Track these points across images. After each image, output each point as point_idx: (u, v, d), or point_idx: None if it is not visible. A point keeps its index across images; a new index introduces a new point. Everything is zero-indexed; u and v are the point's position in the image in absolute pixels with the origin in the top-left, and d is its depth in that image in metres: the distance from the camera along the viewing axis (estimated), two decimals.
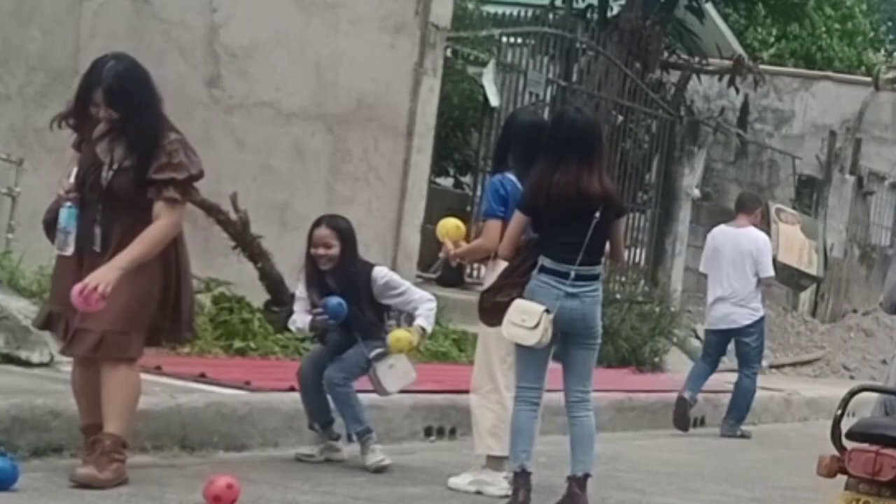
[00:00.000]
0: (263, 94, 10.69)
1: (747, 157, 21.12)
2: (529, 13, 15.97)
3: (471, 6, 17.38)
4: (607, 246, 6.70)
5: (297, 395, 7.54)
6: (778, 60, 26.20)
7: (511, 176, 6.96)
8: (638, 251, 16.78)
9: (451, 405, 8.57)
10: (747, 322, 11.19)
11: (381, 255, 10.80)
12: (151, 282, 5.88)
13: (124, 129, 5.83)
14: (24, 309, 7.68)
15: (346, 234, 7.25)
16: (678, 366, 14.33)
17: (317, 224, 7.30)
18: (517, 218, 6.57)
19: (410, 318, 7.27)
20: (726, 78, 18.77)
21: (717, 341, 11.41)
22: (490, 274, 6.98)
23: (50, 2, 9.39)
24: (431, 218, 10.28)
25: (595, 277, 6.57)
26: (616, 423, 10.27)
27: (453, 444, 8.43)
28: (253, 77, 10.60)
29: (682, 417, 10.95)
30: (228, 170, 10.24)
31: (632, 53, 16.95)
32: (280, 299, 9.86)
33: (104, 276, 5.62)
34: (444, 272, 11.92)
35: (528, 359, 6.53)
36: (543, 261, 6.47)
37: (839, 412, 4.90)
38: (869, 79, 22.10)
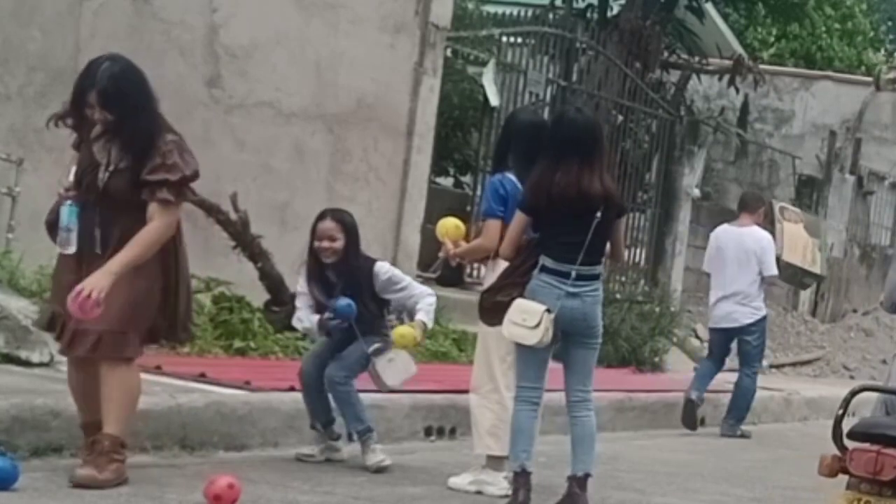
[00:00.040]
0: (263, 94, 10.69)
1: (747, 156, 21.12)
2: (529, 13, 15.98)
3: (471, 6, 17.38)
4: (608, 246, 6.71)
5: (297, 395, 7.54)
6: (778, 60, 26.21)
7: (511, 176, 6.96)
8: (638, 251, 16.78)
9: (451, 405, 8.57)
10: (749, 321, 11.22)
11: (381, 254, 10.75)
12: (150, 282, 5.87)
13: (119, 131, 5.82)
14: (24, 309, 7.68)
15: (350, 228, 7.25)
16: (678, 366, 14.34)
17: (321, 217, 7.29)
18: (518, 218, 6.56)
19: (410, 316, 7.27)
20: (726, 78, 18.78)
21: (721, 340, 11.46)
22: (490, 274, 6.98)
23: (50, 2, 9.38)
24: (431, 218, 10.28)
25: (596, 277, 6.57)
26: (616, 423, 10.27)
27: (453, 444, 8.42)
28: (253, 77, 10.60)
29: (690, 417, 11.02)
30: (228, 170, 10.25)
31: (632, 53, 16.95)
32: (280, 299, 9.86)
33: (97, 282, 5.61)
34: (444, 272, 11.90)
35: (529, 358, 6.53)
36: (544, 260, 6.47)
37: (840, 412, 4.90)
38: (869, 79, 22.10)
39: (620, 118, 16.43)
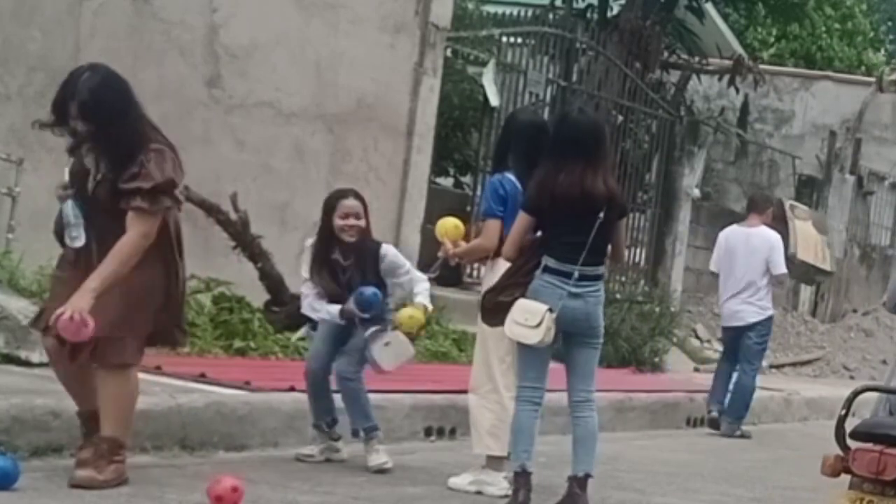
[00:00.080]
0: (263, 94, 10.69)
1: (747, 157, 21.12)
2: (529, 13, 15.97)
3: (471, 6, 17.37)
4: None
5: (297, 395, 7.54)
6: (778, 60, 26.21)
7: (511, 176, 6.95)
8: (638, 251, 16.77)
9: (451, 405, 8.56)
10: (755, 319, 11.35)
11: None
12: (150, 285, 5.86)
13: (100, 141, 5.81)
14: (24, 309, 7.67)
15: (366, 208, 7.24)
16: (678, 366, 14.35)
17: (342, 195, 7.24)
18: (521, 218, 6.55)
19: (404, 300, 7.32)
20: (726, 78, 18.78)
21: (731, 338, 11.59)
22: (489, 274, 6.97)
23: (50, 2, 9.38)
24: (431, 218, 10.27)
25: (598, 277, 6.57)
26: (616, 423, 10.26)
27: (453, 444, 8.42)
28: (253, 77, 10.60)
29: (714, 425, 11.25)
30: (228, 170, 10.25)
31: (632, 53, 16.95)
32: (280, 299, 9.86)
33: (77, 304, 5.58)
34: (443, 272, 11.92)
35: (530, 358, 6.52)
36: (547, 261, 6.47)
37: (843, 412, 4.90)
38: (869, 79, 22.10)
39: (620, 118, 16.43)
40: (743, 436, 11.21)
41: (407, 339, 7.24)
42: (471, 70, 15.72)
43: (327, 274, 7.16)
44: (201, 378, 7.88)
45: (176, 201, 5.88)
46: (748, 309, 11.33)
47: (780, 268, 11.46)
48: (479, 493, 6.89)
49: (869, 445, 4.75)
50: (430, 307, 7.30)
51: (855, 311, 20.21)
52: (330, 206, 7.19)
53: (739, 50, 22.16)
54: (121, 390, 5.84)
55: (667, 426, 10.90)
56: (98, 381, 5.81)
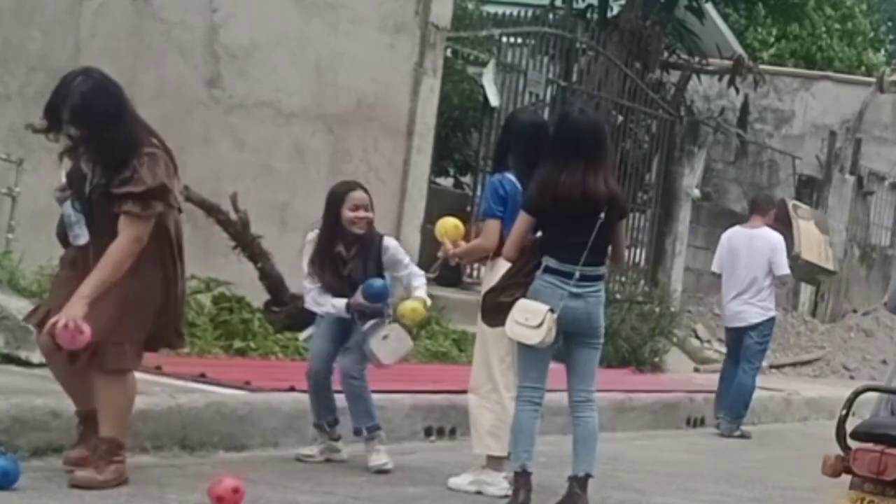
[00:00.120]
0: (263, 94, 10.68)
1: (747, 157, 21.12)
2: (529, 13, 15.97)
3: (471, 6, 17.38)
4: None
5: (297, 396, 7.53)
6: (778, 60, 26.21)
7: (511, 176, 6.95)
8: (638, 251, 16.77)
9: (451, 405, 8.56)
10: (757, 320, 11.38)
11: None
12: (147, 289, 5.84)
13: (92, 146, 5.81)
14: (24, 309, 7.64)
15: (371, 200, 7.25)
16: (678, 366, 14.34)
17: (350, 188, 7.23)
18: (522, 218, 6.55)
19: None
20: (726, 78, 18.78)
21: (734, 339, 11.61)
22: (489, 274, 6.97)
23: (50, 2, 9.38)
24: (431, 218, 10.27)
25: (599, 278, 6.57)
26: (616, 423, 10.26)
27: (453, 444, 8.42)
28: (253, 77, 10.59)
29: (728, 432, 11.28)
30: (228, 170, 10.24)
31: (632, 53, 16.94)
32: (280, 299, 9.86)
33: (70, 311, 5.58)
34: (443, 272, 11.92)
35: (531, 358, 6.52)
36: (548, 261, 6.46)
37: (844, 412, 4.90)
38: (869, 79, 22.08)
39: (620, 118, 16.42)
40: (743, 436, 11.21)
41: (405, 332, 7.23)
42: (471, 70, 15.72)
43: (329, 267, 7.15)
44: (201, 378, 7.87)
45: (169, 206, 5.85)
46: (750, 310, 11.35)
47: (783, 269, 11.48)
48: (479, 493, 6.89)
49: (869, 445, 4.75)
50: (428, 301, 7.31)
51: (855, 311, 20.20)
52: (338, 198, 7.17)
53: (739, 50, 22.16)
54: (118, 393, 5.84)
55: (667, 426, 10.90)
56: (95, 384, 5.81)
